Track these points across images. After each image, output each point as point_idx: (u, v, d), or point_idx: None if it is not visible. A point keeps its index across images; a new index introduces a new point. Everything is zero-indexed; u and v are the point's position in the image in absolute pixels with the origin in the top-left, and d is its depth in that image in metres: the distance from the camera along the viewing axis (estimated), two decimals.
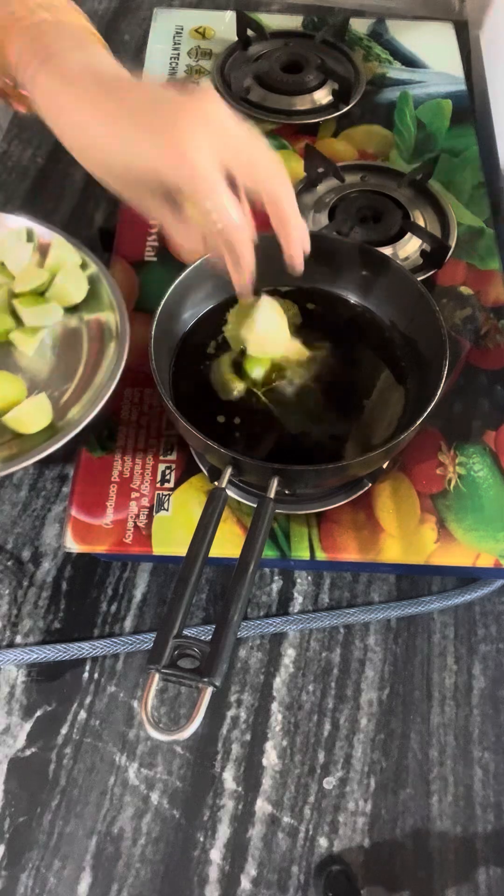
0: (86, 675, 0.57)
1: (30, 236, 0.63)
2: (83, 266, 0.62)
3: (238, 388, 0.55)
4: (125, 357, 0.56)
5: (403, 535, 0.55)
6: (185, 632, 0.40)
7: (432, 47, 0.88)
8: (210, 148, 0.39)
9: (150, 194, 0.42)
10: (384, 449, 0.49)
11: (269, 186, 0.42)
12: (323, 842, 0.51)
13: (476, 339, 0.65)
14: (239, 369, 0.56)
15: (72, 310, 0.61)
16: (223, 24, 0.89)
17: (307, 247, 0.47)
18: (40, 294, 0.61)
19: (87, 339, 0.60)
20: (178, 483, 0.57)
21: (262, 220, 0.45)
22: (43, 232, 0.63)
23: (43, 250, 0.62)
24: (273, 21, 0.89)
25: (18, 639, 0.58)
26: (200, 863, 0.51)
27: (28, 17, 0.43)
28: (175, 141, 0.39)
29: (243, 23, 0.85)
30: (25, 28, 0.43)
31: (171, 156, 0.39)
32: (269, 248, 0.59)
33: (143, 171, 0.41)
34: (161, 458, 0.58)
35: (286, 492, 0.53)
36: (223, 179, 0.40)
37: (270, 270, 0.59)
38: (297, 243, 0.46)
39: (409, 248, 0.69)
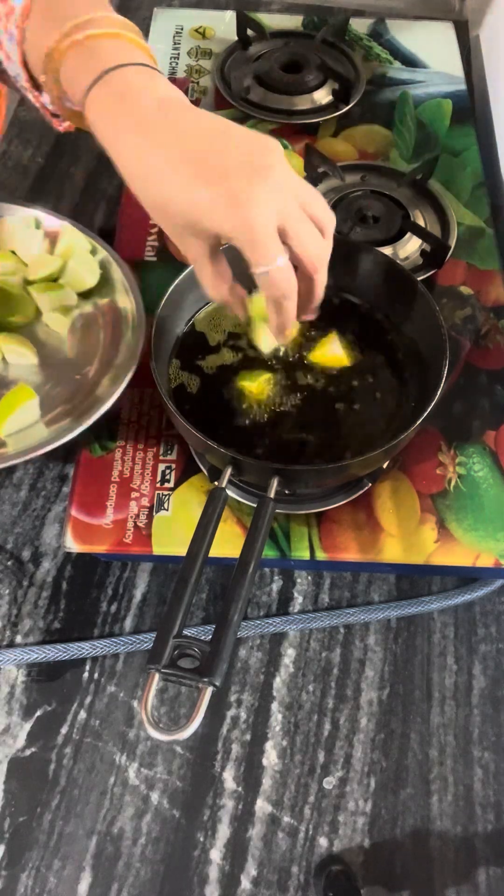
0: (86, 674, 0.57)
1: (37, 225, 0.63)
2: (93, 252, 0.62)
3: (239, 387, 0.55)
4: (142, 338, 0.57)
5: (403, 535, 0.55)
6: (185, 632, 0.40)
7: (432, 47, 0.88)
8: (273, 213, 0.39)
9: (193, 238, 0.42)
10: (384, 449, 0.49)
11: (316, 259, 0.43)
12: (323, 842, 0.51)
13: (476, 339, 0.65)
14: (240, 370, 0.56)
15: (85, 295, 0.62)
16: (223, 24, 0.89)
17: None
18: (54, 280, 0.61)
19: (103, 322, 0.61)
20: (178, 483, 0.57)
21: None
22: (51, 220, 0.63)
23: (51, 238, 0.63)
24: (273, 21, 0.89)
25: (18, 639, 0.58)
26: (200, 863, 0.51)
27: (80, 32, 0.42)
28: (240, 201, 0.38)
29: (243, 23, 0.85)
30: (78, 43, 0.42)
31: (235, 216, 0.38)
32: None
33: (199, 221, 0.40)
34: (161, 458, 0.58)
35: (286, 492, 0.53)
36: (281, 247, 0.41)
37: None
38: (315, 303, 0.47)
39: (409, 248, 0.69)
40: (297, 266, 0.43)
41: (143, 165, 0.40)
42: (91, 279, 0.61)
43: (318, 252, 0.43)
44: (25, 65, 0.46)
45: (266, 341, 0.55)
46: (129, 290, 0.60)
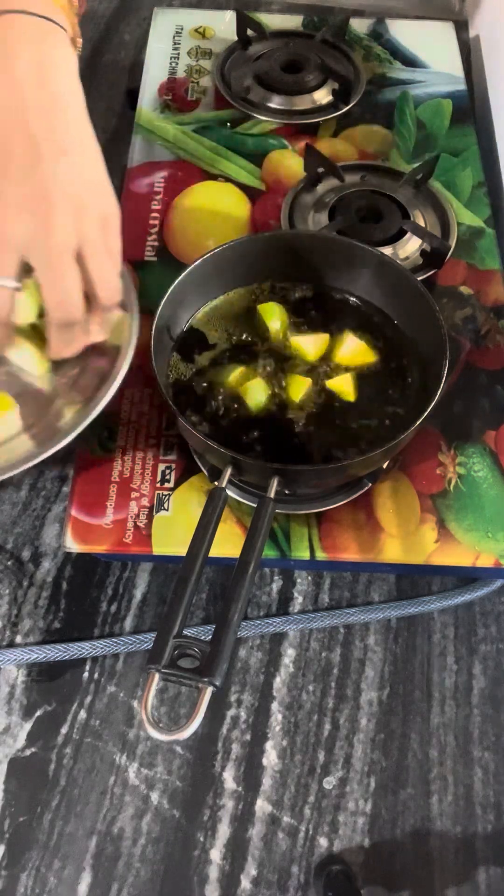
0: (86, 674, 0.57)
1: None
2: None
3: (240, 387, 0.55)
4: (133, 339, 0.53)
5: (403, 535, 0.55)
6: (185, 632, 0.40)
7: (432, 47, 0.88)
8: (24, 246, 0.38)
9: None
10: (384, 449, 0.49)
11: (57, 317, 0.42)
12: (323, 842, 0.51)
13: (476, 339, 0.65)
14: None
15: None
16: (223, 24, 0.89)
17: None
18: None
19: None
20: (178, 483, 0.57)
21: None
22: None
23: None
24: (273, 21, 0.89)
25: (18, 639, 0.58)
26: (200, 863, 0.51)
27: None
28: (1, 218, 0.37)
29: (243, 23, 0.85)
30: None
31: (40, 228, 0.38)
32: (270, 246, 0.59)
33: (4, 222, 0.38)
34: (161, 458, 0.58)
35: (286, 492, 0.53)
36: (15, 273, 0.39)
37: (271, 267, 0.59)
38: (55, 353, 0.46)
39: (409, 248, 0.69)
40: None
41: None
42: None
43: (70, 301, 0.41)
44: None
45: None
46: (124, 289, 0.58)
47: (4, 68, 0.37)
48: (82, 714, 0.55)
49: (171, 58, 0.86)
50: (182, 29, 0.88)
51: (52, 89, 0.38)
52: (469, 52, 0.92)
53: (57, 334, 0.43)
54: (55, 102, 0.38)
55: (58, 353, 0.45)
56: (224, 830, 0.52)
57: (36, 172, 0.37)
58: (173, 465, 0.58)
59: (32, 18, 0.38)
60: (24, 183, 0.37)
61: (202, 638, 0.40)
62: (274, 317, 0.58)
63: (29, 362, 0.51)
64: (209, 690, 0.38)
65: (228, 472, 0.48)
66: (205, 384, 0.55)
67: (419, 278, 0.59)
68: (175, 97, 0.81)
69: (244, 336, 0.58)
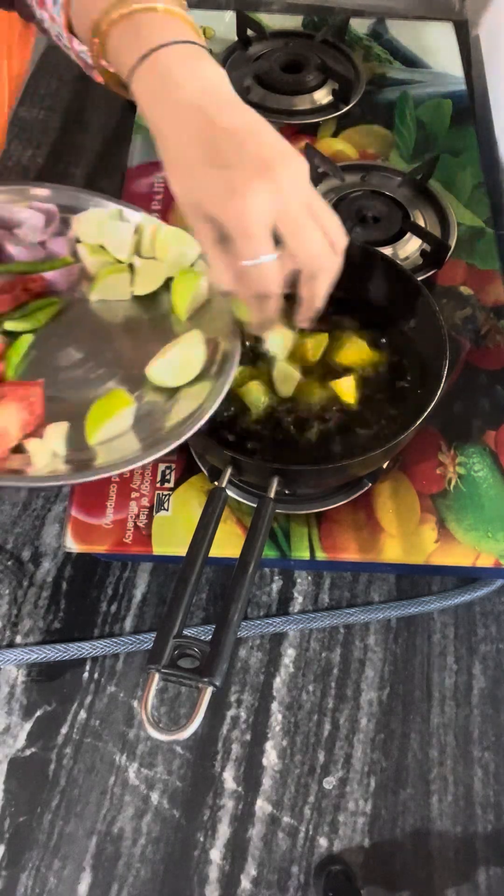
0: (86, 675, 0.57)
1: (122, 217, 0.57)
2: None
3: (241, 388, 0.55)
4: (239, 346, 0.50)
5: (403, 535, 0.55)
6: (185, 632, 0.40)
7: (432, 47, 0.88)
8: (267, 209, 0.40)
9: (203, 222, 0.43)
10: (384, 449, 0.49)
11: (313, 262, 0.43)
12: (323, 842, 0.51)
13: (476, 339, 0.65)
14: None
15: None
16: (223, 24, 0.89)
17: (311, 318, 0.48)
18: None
19: None
20: (178, 483, 0.57)
21: None
22: (132, 214, 0.57)
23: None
24: (273, 21, 0.89)
25: (18, 639, 0.58)
26: (200, 863, 0.51)
27: (126, 6, 0.43)
28: (237, 191, 0.39)
29: (243, 23, 0.85)
30: (124, 17, 0.43)
31: (229, 204, 0.40)
32: None
33: (200, 202, 0.41)
34: (161, 458, 0.58)
35: (286, 492, 0.53)
36: (270, 245, 0.41)
37: None
38: (310, 312, 0.47)
39: (409, 248, 0.69)
40: (298, 270, 0.43)
41: (173, 150, 0.42)
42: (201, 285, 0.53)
43: (318, 256, 0.43)
44: (69, 27, 0.48)
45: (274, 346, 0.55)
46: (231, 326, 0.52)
47: (173, 92, 0.42)
48: (82, 714, 0.55)
49: None
50: None
51: (222, 94, 0.42)
52: (469, 52, 0.92)
53: (311, 285, 0.44)
54: (229, 102, 0.42)
55: (310, 302, 0.46)
56: (224, 830, 0.52)
57: (246, 151, 0.40)
58: (173, 465, 0.58)
59: (184, 46, 0.43)
60: (243, 163, 0.40)
61: (202, 638, 0.40)
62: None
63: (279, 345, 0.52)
64: (209, 690, 0.38)
65: (228, 472, 0.48)
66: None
67: (419, 278, 0.59)
68: None
69: (244, 336, 0.58)
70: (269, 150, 0.40)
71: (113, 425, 0.47)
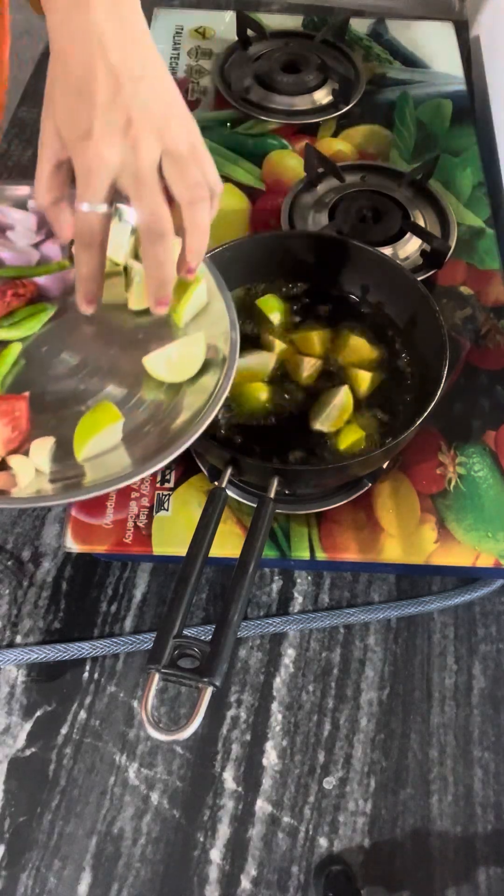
0: (86, 675, 0.57)
1: (120, 216, 0.54)
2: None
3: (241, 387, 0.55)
4: (235, 359, 0.48)
5: (403, 535, 0.55)
6: (185, 632, 0.40)
7: (432, 47, 0.88)
8: (114, 161, 0.40)
9: (52, 145, 0.42)
10: (384, 449, 0.49)
11: (148, 230, 0.43)
12: (323, 842, 0.51)
13: (476, 339, 0.65)
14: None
15: None
16: (223, 24, 0.89)
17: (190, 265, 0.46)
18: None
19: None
20: (178, 483, 0.57)
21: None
22: (132, 214, 0.53)
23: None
24: (273, 21, 0.89)
25: (18, 639, 0.58)
26: (200, 863, 0.51)
27: None
28: (91, 134, 0.40)
29: (243, 23, 0.85)
30: None
31: (80, 145, 0.40)
32: (270, 246, 0.59)
33: (62, 134, 0.41)
34: None
35: (286, 492, 0.53)
36: (102, 196, 0.41)
37: (271, 267, 0.59)
38: (187, 259, 0.45)
39: (409, 248, 0.69)
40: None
41: (58, 67, 0.41)
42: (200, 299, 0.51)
43: (151, 220, 0.42)
44: None
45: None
46: (224, 300, 0.51)
47: (81, 12, 0.41)
48: (82, 714, 0.55)
49: (171, 58, 0.86)
50: (182, 29, 0.88)
51: (129, 27, 0.42)
52: (469, 52, 0.92)
53: (153, 252, 0.44)
54: (129, 37, 0.42)
55: (153, 280, 0.45)
56: (224, 830, 0.52)
57: (119, 97, 0.40)
58: (173, 465, 0.58)
59: None
60: (109, 109, 0.40)
61: (202, 638, 0.40)
62: (274, 309, 0.58)
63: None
64: (209, 690, 0.38)
65: (228, 472, 0.48)
66: None
67: (419, 278, 0.59)
68: None
69: (245, 335, 0.58)
70: (142, 103, 0.40)
71: (101, 440, 0.45)
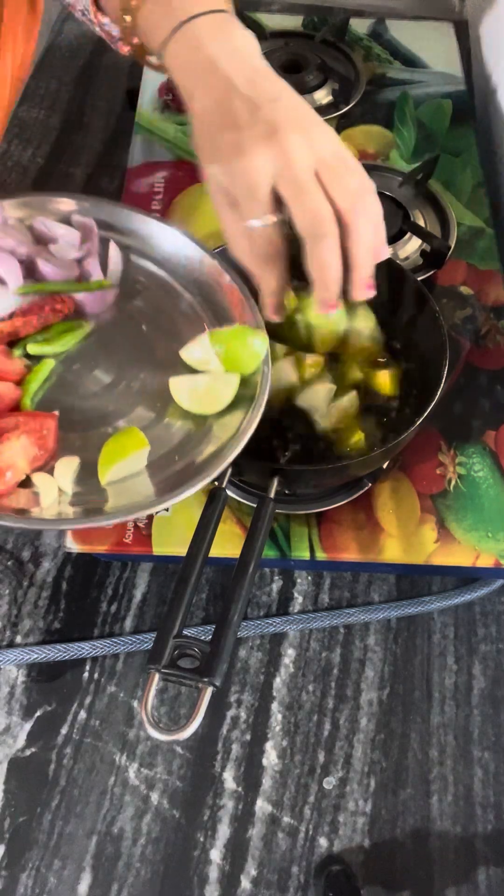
0: (86, 675, 0.57)
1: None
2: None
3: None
4: (265, 393, 0.46)
5: (403, 535, 0.55)
6: (185, 632, 0.40)
7: (432, 47, 0.88)
8: (268, 171, 0.41)
9: (217, 186, 0.43)
10: (384, 449, 0.49)
11: (309, 231, 0.42)
12: (323, 842, 0.51)
13: (476, 339, 0.65)
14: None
15: None
16: None
17: (335, 294, 0.45)
18: None
19: None
20: None
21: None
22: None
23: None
24: (273, 21, 0.89)
25: (18, 639, 0.58)
26: (200, 863, 0.51)
27: None
28: (243, 154, 0.41)
29: (243, 23, 0.85)
30: None
31: (231, 166, 0.41)
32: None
33: (216, 171, 0.42)
34: None
35: (286, 492, 0.53)
36: (268, 207, 0.42)
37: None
38: (355, 278, 0.44)
39: (409, 248, 0.69)
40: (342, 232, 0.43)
41: (199, 115, 0.43)
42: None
43: (313, 220, 0.42)
44: (96, 3, 0.49)
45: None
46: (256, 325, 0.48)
47: (207, 65, 0.43)
48: (82, 714, 0.55)
49: None
50: None
51: (252, 66, 0.44)
52: (469, 52, 0.92)
53: (318, 254, 0.43)
54: (258, 74, 0.44)
55: (320, 282, 0.44)
56: (224, 830, 0.52)
57: (259, 116, 0.41)
58: None
59: (214, 16, 0.44)
60: (252, 126, 0.41)
61: (202, 638, 0.40)
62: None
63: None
64: (209, 690, 0.38)
65: (228, 472, 0.48)
66: None
67: (419, 278, 0.59)
68: (175, 97, 0.81)
69: None
70: (283, 115, 0.41)
71: (126, 465, 0.44)
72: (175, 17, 0.43)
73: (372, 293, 0.45)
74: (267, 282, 0.45)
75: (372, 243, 0.44)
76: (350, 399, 0.53)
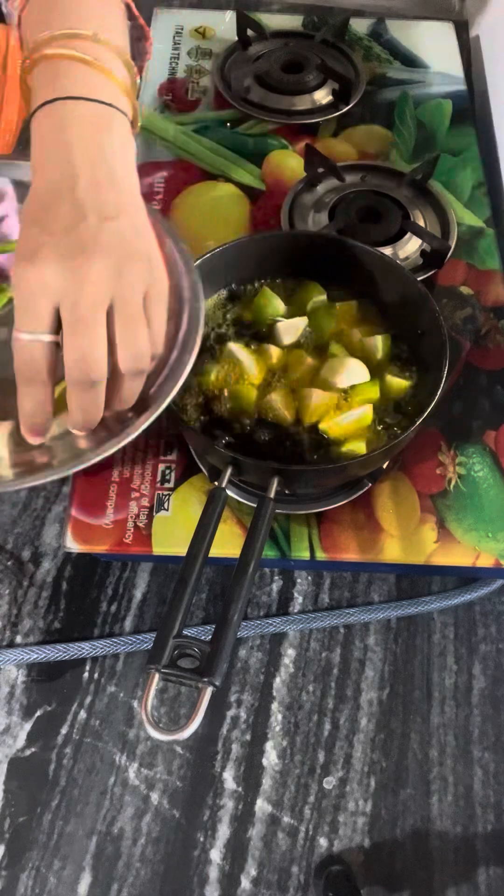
0: (86, 675, 0.57)
1: None
2: None
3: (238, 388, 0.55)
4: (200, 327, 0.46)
5: (403, 535, 0.55)
6: (185, 632, 0.40)
7: (432, 47, 0.88)
8: (54, 294, 0.37)
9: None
10: (384, 449, 0.49)
11: (70, 373, 0.39)
12: (323, 842, 0.51)
13: (476, 339, 0.65)
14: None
15: None
16: (223, 24, 0.89)
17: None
18: None
19: None
20: (178, 483, 0.57)
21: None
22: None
23: None
24: (273, 21, 0.89)
25: (18, 639, 0.58)
26: (200, 863, 0.51)
27: (55, 46, 0.41)
28: (32, 260, 0.37)
29: (243, 23, 0.85)
30: (50, 58, 0.41)
31: (19, 269, 0.37)
32: (270, 246, 0.59)
33: (14, 262, 0.38)
34: (161, 458, 0.58)
35: (286, 492, 0.53)
36: (44, 325, 0.38)
37: (271, 266, 0.59)
38: (72, 423, 0.42)
39: (409, 248, 0.69)
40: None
41: (29, 199, 0.39)
42: None
43: (77, 365, 0.38)
44: (19, 26, 0.46)
45: (285, 335, 0.54)
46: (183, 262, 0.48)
47: (61, 150, 0.39)
48: (82, 714, 0.55)
49: (171, 58, 0.86)
50: (182, 29, 0.88)
51: (106, 170, 0.39)
52: (469, 52, 0.92)
53: (77, 398, 0.40)
54: (108, 180, 0.39)
55: (74, 422, 0.42)
56: (224, 830, 0.52)
57: (78, 229, 0.37)
58: (173, 465, 0.58)
59: (96, 105, 0.40)
60: (64, 236, 0.37)
61: (202, 638, 0.40)
62: (274, 308, 0.58)
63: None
64: (209, 690, 0.38)
65: (228, 472, 0.48)
66: (205, 384, 0.55)
67: (419, 278, 0.59)
68: (175, 97, 0.81)
69: (245, 334, 0.58)
70: (104, 238, 0.38)
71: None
72: (55, 90, 0.40)
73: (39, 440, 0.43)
74: (22, 401, 0.41)
75: (135, 397, 0.42)
76: (364, 413, 0.53)
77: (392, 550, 0.55)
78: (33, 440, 0.43)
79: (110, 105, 0.41)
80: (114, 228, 0.38)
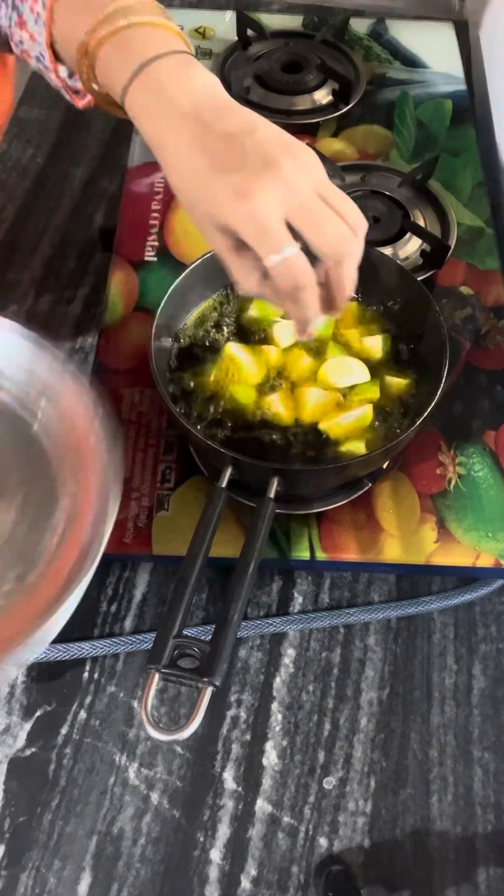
0: (86, 675, 0.57)
1: None
2: None
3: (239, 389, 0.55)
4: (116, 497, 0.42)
5: (403, 535, 0.55)
6: (185, 632, 0.40)
7: (432, 47, 0.88)
8: (278, 204, 0.39)
9: (216, 231, 0.42)
10: (384, 449, 0.49)
11: (334, 249, 0.42)
12: (323, 842, 0.51)
13: (476, 339, 0.65)
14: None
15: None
16: (223, 24, 0.89)
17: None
18: None
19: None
20: (178, 483, 0.57)
21: None
22: None
23: None
24: (273, 21, 0.89)
25: None
26: (200, 863, 0.51)
27: (112, 23, 0.43)
28: (245, 193, 0.39)
29: (243, 23, 0.85)
30: (112, 34, 0.43)
31: (239, 207, 0.39)
32: None
33: (209, 212, 0.41)
34: (161, 458, 0.58)
35: (286, 492, 0.53)
36: (288, 237, 0.40)
37: None
38: (340, 300, 0.45)
39: (409, 248, 0.69)
40: (319, 259, 0.42)
41: (174, 161, 0.42)
42: None
43: (339, 242, 0.42)
44: (51, 45, 0.47)
45: (283, 336, 0.54)
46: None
47: (173, 110, 0.41)
48: (82, 714, 0.55)
49: None
50: (182, 29, 0.88)
51: (221, 101, 0.42)
52: (469, 52, 0.92)
53: (338, 273, 0.43)
54: (228, 108, 0.42)
55: (341, 293, 0.44)
56: (224, 830, 0.52)
57: (248, 154, 0.40)
58: (173, 465, 0.58)
59: (171, 57, 0.43)
60: (244, 163, 0.39)
61: (202, 638, 0.40)
62: (270, 305, 0.58)
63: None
64: (209, 690, 0.39)
65: (228, 472, 0.48)
66: (205, 384, 0.55)
67: (419, 278, 0.59)
68: None
69: (245, 334, 0.58)
70: (271, 146, 0.40)
71: None
72: (134, 60, 0.42)
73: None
74: (299, 312, 0.44)
75: (352, 272, 0.44)
76: (364, 413, 0.53)
77: (392, 550, 0.55)
78: (306, 337, 0.46)
79: (183, 52, 0.44)
80: (266, 135, 0.41)
